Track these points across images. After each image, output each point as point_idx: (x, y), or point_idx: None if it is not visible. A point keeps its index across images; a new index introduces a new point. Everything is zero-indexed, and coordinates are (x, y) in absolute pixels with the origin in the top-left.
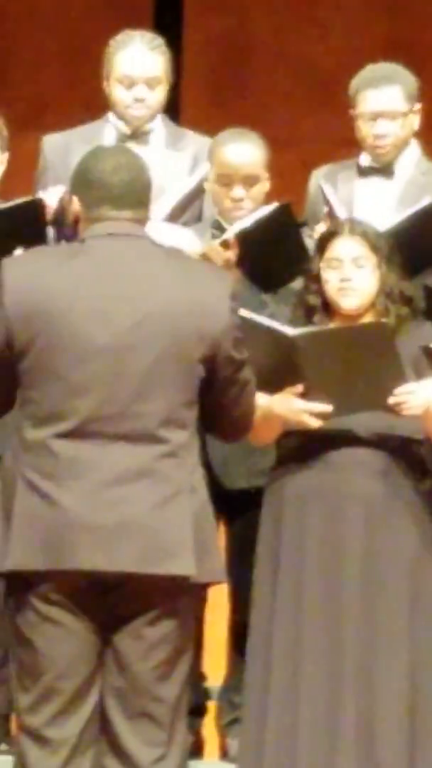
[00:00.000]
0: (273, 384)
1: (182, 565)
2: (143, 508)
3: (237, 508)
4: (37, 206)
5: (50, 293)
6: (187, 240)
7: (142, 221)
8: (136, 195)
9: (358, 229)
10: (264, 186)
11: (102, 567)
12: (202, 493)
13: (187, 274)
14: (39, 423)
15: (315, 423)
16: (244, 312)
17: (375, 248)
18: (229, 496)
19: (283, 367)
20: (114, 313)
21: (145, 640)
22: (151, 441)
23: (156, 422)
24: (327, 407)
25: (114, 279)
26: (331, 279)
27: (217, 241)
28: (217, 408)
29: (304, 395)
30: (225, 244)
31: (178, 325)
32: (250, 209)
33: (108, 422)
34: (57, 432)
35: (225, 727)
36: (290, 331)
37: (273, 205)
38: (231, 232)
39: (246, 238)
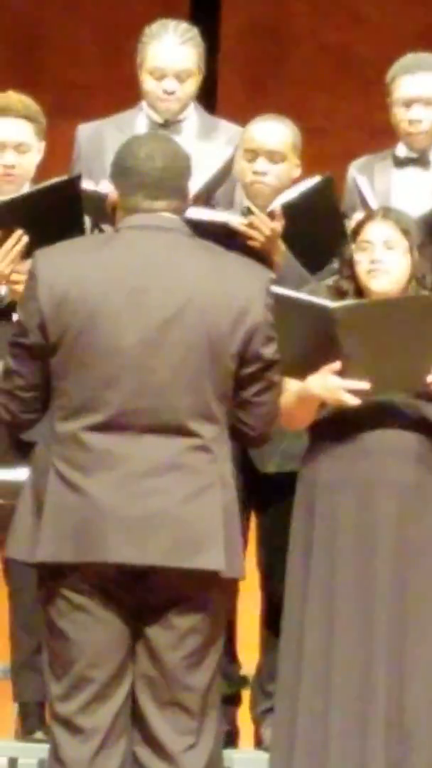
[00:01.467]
0: (309, 365)
1: (212, 560)
2: (174, 501)
3: (269, 495)
4: (74, 185)
5: (83, 286)
6: (231, 215)
7: (176, 211)
8: (170, 183)
9: (391, 214)
10: (291, 169)
11: (132, 560)
12: (232, 488)
13: (222, 268)
14: (70, 414)
15: (353, 400)
16: (280, 289)
17: (407, 232)
18: (261, 483)
19: (320, 346)
20: (146, 305)
21: (175, 630)
22: (183, 434)
23: (187, 415)
24: (365, 384)
25: (147, 271)
26: (362, 261)
27: (263, 212)
28: (239, 405)
29: (341, 373)
30: (271, 215)
31: (211, 319)
32: (273, 186)
33: (139, 415)
34: (88, 424)
35: (259, 716)
36: (330, 303)
37: (317, 178)
38: (278, 202)
39: (291, 211)
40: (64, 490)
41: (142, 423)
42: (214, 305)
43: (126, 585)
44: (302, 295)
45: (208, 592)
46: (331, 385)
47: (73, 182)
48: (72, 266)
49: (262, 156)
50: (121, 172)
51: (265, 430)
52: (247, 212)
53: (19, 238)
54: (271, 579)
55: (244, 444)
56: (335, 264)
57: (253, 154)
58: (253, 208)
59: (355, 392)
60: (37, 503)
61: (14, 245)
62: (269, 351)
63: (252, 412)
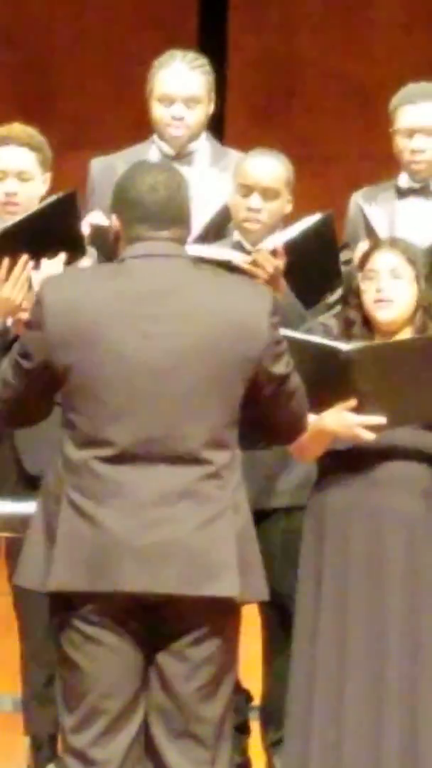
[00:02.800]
0: (321, 402)
1: (226, 587)
2: (186, 529)
3: (273, 531)
4: (70, 201)
5: (90, 316)
6: (235, 253)
7: (180, 240)
8: (173, 213)
9: (398, 243)
10: (284, 205)
11: (146, 589)
12: (245, 512)
13: (226, 293)
14: (82, 445)
15: (369, 436)
16: (290, 332)
17: (413, 262)
18: (265, 520)
19: (333, 383)
20: (154, 334)
21: (188, 661)
22: (194, 462)
23: (199, 444)
24: (381, 419)
25: (153, 300)
26: (368, 290)
27: (266, 249)
28: (266, 419)
29: (355, 410)
30: (274, 253)
31: (218, 345)
32: (266, 223)
33: (150, 444)
34: (99, 455)
35: (271, 746)
36: (343, 346)
37: (317, 216)
38: (280, 240)
39: (293, 248)
40: (77, 519)
41: (154, 452)
42: (221, 332)
43: (139, 615)
44: (312, 337)
45: (222, 621)
46: (347, 422)
47: (70, 198)
48: (79, 296)
49: (257, 192)
50: (124, 203)
51: (295, 429)
52: (238, 247)
53: (25, 264)
54: (273, 605)
55: (278, 442)
56: (330, 299)
57: (247, 190)
58: (244, 243)
59: (370, 427)
60: (49, 532)
61: (21, 272)
62: (281, 368)
63: (281, 418)
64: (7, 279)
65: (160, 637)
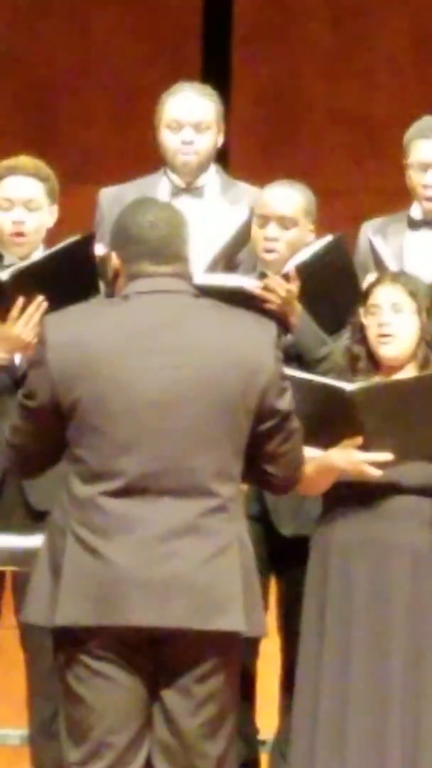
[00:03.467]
0: (327, 439)
1: (232, 621)
2: (193, 563)
3: (290, 559)
4: (88, 243)
5: (93, 351)
6: (246, 279)
7: (182, 275)
8: (174, 249)
9: (400, 278)
10: (304, 235)
11: (153, 623)
12: (248, 544)
13: (230, 326)
14: (87, 480)
15: (376, 473)
16: (294, 371)
17: (414, 295)
18: (282, 547)
19: (338, 422)
20: (158, 369)
21: (193, 697)
22: (201, 495)
23: (205, 476)
24: (387, 456)
25: (157, 334)
26: (371, 325)
27: (277, 275)
28: (262, 459)
29: (362, 447)
30: (286, 277)
31: (223, 378)
32: (283, 252)
33: (156, 478)
34: (106, 490)
35: None
36: (347, 386)
37: (328, 237)
38: (291, 264)
39: (305, 271)
40: (83, 554)
41: (160, 486)
42: (225, 364)
43: (145, 650)
44: (317, 378)
45: (226, 656)
46: (354, 459)
47: (87, 241)
48: (82, 332)
49: (274, 221)
50: (124, 240)
51: (292, 478)
52: (262, 277)
53: (40, 304)
54: (292, 646)
55: (272, 492)
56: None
57: (264, 220)
58: (269, 273)
59: (378, 463)
60: (55, 567)
61: (36, 311)
62: (284, 403)
63: (277, 463)
64: (19, 318)
65: (165, 673)
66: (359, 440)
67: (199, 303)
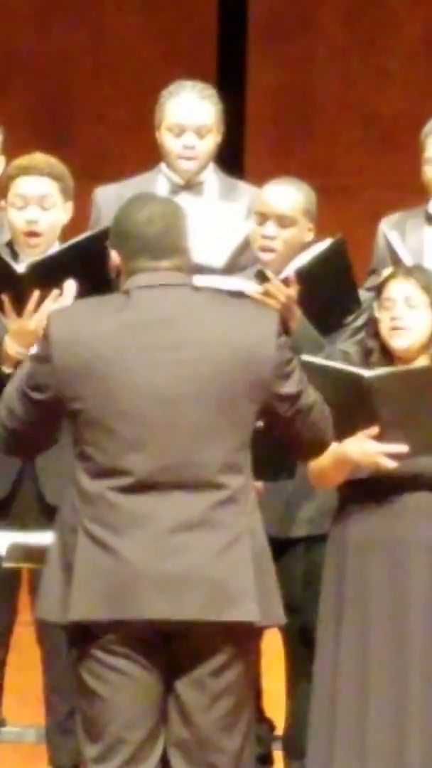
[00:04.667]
0: (343, 429)
1: (246, 612)
2: (205, 556)
3: (293, 561)
4: (102, 238)
5: (97, 348)
6: (246, 283)
7: (181, 268)
8: (171, 243)
9: (414, 272)
10: (301, 233)
11: (166, 616)
12: (261, 535)
13: (231, 317)
14: (96, 476)
15: (391, 464)
16: (311, 357)
17: (427, 289)
18: (276, 547)
19: (354, 410)
20: (162, 363)
21: (208, 691)
22: (210, 488)
23: (214, 469)
24: (403, 447)
25: (159, 329)
26: (384, 319)
27: (278, 279)
28: (289, 437)
29: (378, 437)
30: (286, 282)
31: (227, 370)
32: (281, 251)
33: (165, 473)
34: (115, 486)
35: None
36: (366, 372)
37: (328, 241)
38: (291, 268)
39: (304, 276)
40: (94, 550)
41: (169, 481)
42: (228, 357)
43: (159, 644)
44: (335, 364)
45: (241, 648)
46: (369, 450)
47: (102, 236)
48: (85, 329)
49: (271, 220)
50: (121, 237)
51: (323, 441)
52: (260, 276)
53: (56, 298)
54: (294, 637)
55: (306, 458)
56: (357, 322)
57: (263, 218)
58: (268, 273)
59: (393, 455)
60: (66, 564)
61: (52, 305)
62: (292, 387)
63: (306, 434)
64: (35, 311)
65: (179, 668)
66: (375, 431)
67: (200, 296)
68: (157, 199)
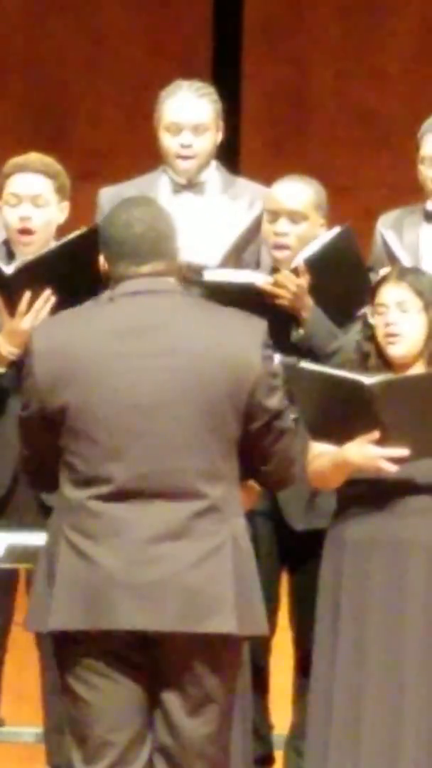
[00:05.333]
0: (343, 434)
1: (223, 623)
2: (182, 566)
3: (302, 553)
4: (94, 236)
5: (77, 357)
6: (256, 275)
7: (164, 273)
8: (149, 247)
9: (406, 275)
10: (314, 229)
11: (143, 626)
12: (244, 543)
13: (216, 326)
14: (78, 485)
15: (392, 468)
16: (309, 364)
17: (420, 293)
18: (294, 541)
19: (354, 416)
20: (143, 372)
21: (190, 698)
22: (191, 497)
23: (194, 478)
24: (404, 451)
25: (140, 337)
26: (378, 325)
27: (288, 269)
28: (254, 457)
29: (378, 442)
30: (296, 272)
31: (209, 379)
32: (294, 247)
33: (145, 481)
34: (96, 494)
35: None
36: (366, 379)
37: (336, 230)
38: (300, 258)
39: (314, 265)
40: (74, 559)
41: (150, 489)
42: (211, 365)
43: (141, 649)
44: (334, 371)
45: (223, 657)
46: (370, 454)
47: (92, 234)
48: (66, 339)
49: (283, 217)
50: (104, 241)
51: (285, 476)
52: (275, 273)
53: (48, 298)
54: (305, 637)
55: (267, 488)
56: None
57: (274, 215)
58: (281, 268)
59: (394, 459)
60: (50, 572)
61: (43, 305)
62: (274, 402)
63: (270, 461)
64: (27, 312)
65: (162, 674)
66: (375, 435)
67: (184, 302)
68: (138, 202)
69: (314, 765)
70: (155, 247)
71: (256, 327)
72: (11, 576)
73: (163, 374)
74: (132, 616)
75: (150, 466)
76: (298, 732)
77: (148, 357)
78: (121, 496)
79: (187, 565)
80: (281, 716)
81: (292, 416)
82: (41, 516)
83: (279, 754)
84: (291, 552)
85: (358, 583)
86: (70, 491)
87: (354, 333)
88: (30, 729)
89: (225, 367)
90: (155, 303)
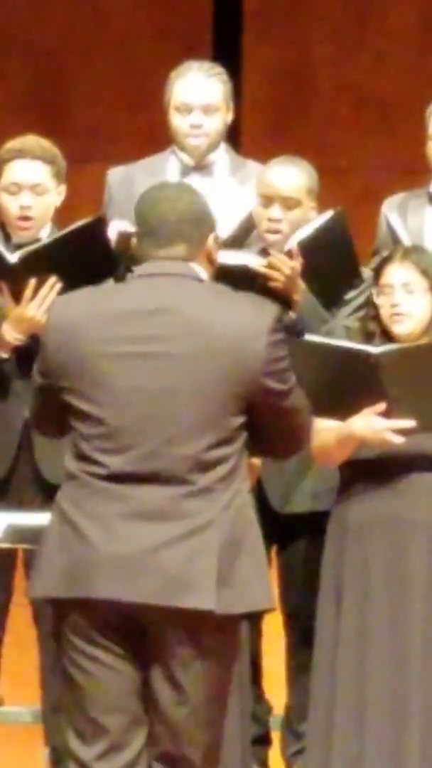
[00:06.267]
0: (348, 408)
1: (201, 599)
2: (163, 541)
3: (289, 534)
4: (100, 225)
5: (84, 337)
6: (251, 257)
7: (184, 257)
8: (173, 229)
9: (410, 255)
10: (306, 214)
11: (119, 597)
12: (241, 524)
13: (224, 312)
14: (76, 458)
15: (398, 440)
16: (316, 337)
17: (425, 273)
18: (280, 523)
19: (360, 388)
20: (146, 356)
21: (179, 685)
22: (185, 481)
23: (189, 463)
24: (410, 422)
25: (147, 321)
26: (384, 305)
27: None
28: (262, 436)
29: (384, 414)
30: (289, 254)
31: (212, 366)
32: (287, 233)
33: (139, 464)
34: (90, 471)
35: (290, 758)
36: (373, 349)
37: (329, 213)
38: (293, 240)
39: (307, 247)
40: (62, 528)
41: (145, 471)
42: (215, 351)
43: (131, 634)
44: (340, 342)
45: (208, 639)
46: (376, 427)
47: (98, 223)
48: (77, 319)
49: (277, 202)
50: (135, 218)
51: (293, 452)
52: (264, 253)
53: (53, 285)
54: (296, 618)
55: (276, 459)
56: (358, 299)
57: (267, 200)
58: (271, 251)
59: (400, 431)
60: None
61: (49, 292)
62: (279, 385)
63: (278, 439)
64: (32, 299)
65: (151, 661)
66: (381, 407)
67: (197, 287)
68: (171, 184)
69: (317, 745)
70: (178, 229)
71: (266, 312)
72: (9, 556)
73: (164, 360)
74: (109, 587)
75: (146, 450)
76: (293, 713)
77: (152, 342)
78: (114, 477)
79: (167, 540)
80: (273, 698)
81: None
82: (41, 495)
83: (275, 735)
84: (276, 532)
85: (360, 562)
86: (68, 460)
87: (343, 317)
88: (28, 709)
89: (229, 354)
90: (166, 286)
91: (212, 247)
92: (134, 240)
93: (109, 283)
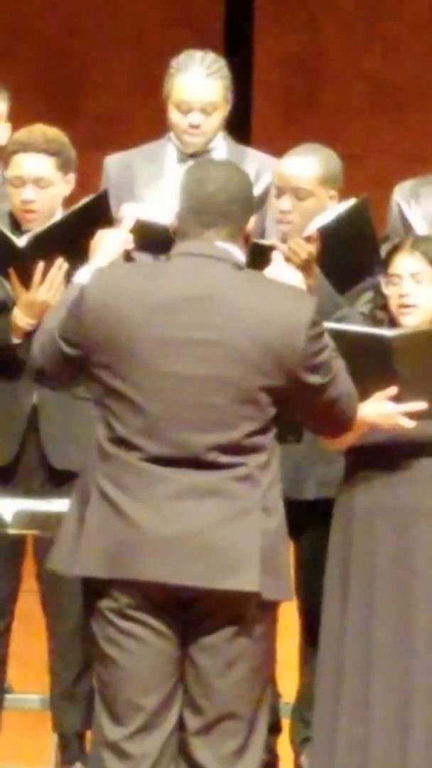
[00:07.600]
0: (360, 391)
1: (246, 581)
2: (209, 523)
3: (305, 521)
4: (103, 201)
5: (124, 320)
6: (275, 240)
7: (226, 239)
8: (220, 208)
9: (420, 245)
10: (322, 203)
11: (165, 579)
12: (277, 514)
13: (265, 302)
14: (113, 441)
15: (410, 424)
16: (331, 323)
17: None
18: (296, 510)
19: (373, 373)
20: (184, 342)
21: (222, 657)
22: (224, 466)
23: (229, 449)
24: (422, 404)
25: (187, 307)
26: (392, 295)
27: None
28: (311, 421)
29: (396, 398)
30: (308, 239)
31: (250, 356)
32: (298, 224)
33: (177, 449)
34: (129, 452)
35: (299, 745)
36: (387, 332)
37: (352, 201)
38: (314, 225)
39: (327, 234)
40: (105, 508)
41: (183, 456)
42: (255, 340)
43: (171, 610)
44: (354, 327)
45: (252, 618)
46: (388, 411)
47: (101, 199)
48: (117, 297)
49: (288, 193)
50: (181, 193)
51: (336, 435)
52: (283, 242)
53: (60, 266)
54: (311, 605)
55: (319, 434)
56: (368, 282)
57: (279, 191)
58: (286, 239)
59: (411, 415)
60: (81, 519)
61: (57, 274)
62: (317, 378)
63: (321, 423)
64: (42, 282)
65: (193, 634)
66: (393, 391)
67: (236, 274)
68: (220, 163)
69: (322, 734)
70: (224, 209)
71: (305, 305)
72: (18, 543)
73: (204, 347)
74: (154, 569)
75: (185, 436)
76: (304, 700)
77: (191, 328)
78: (154, 459)
79: (213, 522)
80: (285, 685)
81: None
82: (49, 481)
83: (286, 722)
84: (295, 520)
85: (366, 550)
86: (106, 444)
87: (360, 305)
88: (36, 695)
89: (269, 343)
90: (207, 270)
91: (252, 229)
92: (173, 219)
93: (150, 262)
